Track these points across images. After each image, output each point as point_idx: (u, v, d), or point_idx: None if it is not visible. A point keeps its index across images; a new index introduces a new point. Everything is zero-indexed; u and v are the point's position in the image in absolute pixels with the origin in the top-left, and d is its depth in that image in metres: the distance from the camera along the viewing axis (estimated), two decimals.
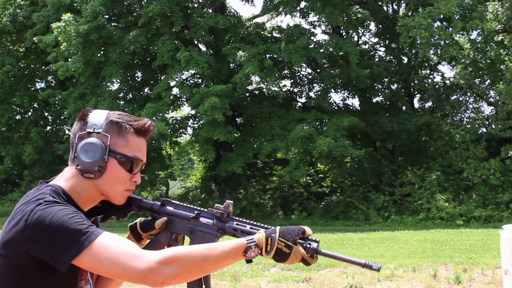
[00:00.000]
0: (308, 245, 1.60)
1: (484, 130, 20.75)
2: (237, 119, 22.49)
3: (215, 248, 1.53)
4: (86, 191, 1.65)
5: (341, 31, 22.75)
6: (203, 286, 1.78)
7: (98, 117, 1.69)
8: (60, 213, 1.49)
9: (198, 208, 1.81)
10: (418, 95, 23.66)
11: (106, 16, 20.14)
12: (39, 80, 25.16)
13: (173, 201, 1.83)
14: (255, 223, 1.74)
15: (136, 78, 22.68)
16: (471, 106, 22.07)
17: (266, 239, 1.57)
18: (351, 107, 22.54)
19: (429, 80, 23.39)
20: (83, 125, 1.69)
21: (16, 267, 1.53)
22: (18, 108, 24.57)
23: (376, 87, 21.95)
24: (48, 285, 1.56)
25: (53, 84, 24.02)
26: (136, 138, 1.68)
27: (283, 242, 1.57)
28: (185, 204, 1.82)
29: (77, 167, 1.64)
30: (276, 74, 19.21)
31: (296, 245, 1.58)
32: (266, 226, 1.70)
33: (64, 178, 1.66)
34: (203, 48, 21.55)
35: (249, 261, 1.58)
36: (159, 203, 1.82)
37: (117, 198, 1.69)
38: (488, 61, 18.61)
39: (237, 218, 1.75)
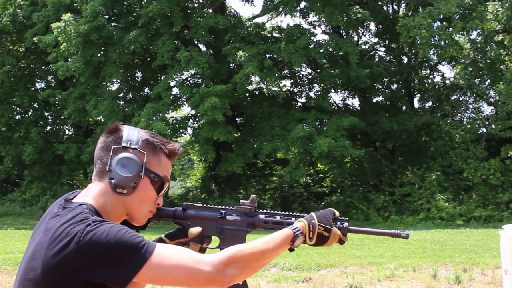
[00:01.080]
0: (341, 225, 1.73)
1: (484, 130, 20.75)
2: (237, 119, 22.49)
3: (269, 241, 1.58)
4: (114, 209, 1.62)
5: (341, 31, 22.75)
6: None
7: (132, 133, 1.66)
8: (113, 229, 1.45)
9: (223, 207, 1.84)
10: (418, 95, 23.67)
11: (106, 16, 20.13)
12: (39, 80, 25.16)
13: (195, 204, 1.84)
14: (283, 212, 1.81)
15: (136, 78, 22.68)
16: (471, 106, 22.09)
17: (308, 226, 1.66)
18: (351, 107, 22.54)
19: (429, 80, 23.41)
20: (117, 138, 1.64)
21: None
22: (18, 108, 24.57)
23: (376, 87, 21.96)
24: None
25: (53, 84, 24.02)
26: (166, 160, 1.69)
27: (322, 226, 1.66)
28: (208, 205, 1.85)
29: (111, 180, 1.59)
30: (276, 74, 19.20)
31: (333, 227, 1.69)
32: (295, 214, 1.79)
33: (92, 196, 1.61)
34: (203, 48, 21.55)
35: (292, 249, 1.67)
36: (181, 208, 1.82)
37: (141, 219, 1.68)
38: (488, 61, 18.61)
39: (264, 211, 1.81)
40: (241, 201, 1.83)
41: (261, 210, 1.80)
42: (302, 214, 1.77)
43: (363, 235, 13.14)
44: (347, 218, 1.76)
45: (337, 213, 1.73)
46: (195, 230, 1.77)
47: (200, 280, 1.45)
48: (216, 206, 1.84)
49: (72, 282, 1.45)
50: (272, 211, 1.80)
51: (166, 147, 1.69)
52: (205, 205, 1.84)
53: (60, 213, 1.54)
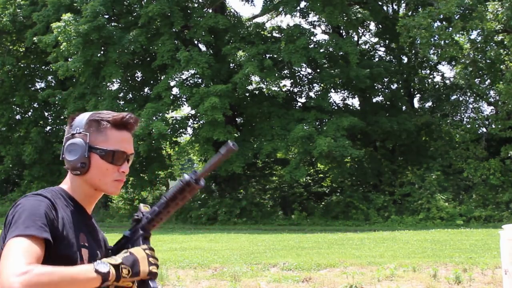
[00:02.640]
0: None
1: (484, 130, 20.75)
2: (237, 119, 22.49)
3: (69, 271, 1.52)
4: (81, 188, 1.76)
5: (341, 31, 22.75)
6: None
7: (81, 118, 1.79)
8: (30, 203, 1.60)
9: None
10: (418, 95, 23.67)
11: (106, 16, 20.14)
12: (39, 80, 25.18)
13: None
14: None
15: (136, 78, 22.69)
16: (471, 106, 22.09)
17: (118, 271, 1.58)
18: (351, 107, 22.54)
19: (429, 80, 23.41)
20: (69, 128, 1.80)
21: None
22: (18, 108, 24.59)
23: (376, 87, 21.96)
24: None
25: (53, 84, 24.03)
26: (116, 132, 1.77)
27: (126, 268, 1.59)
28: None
29: (64, 166, 1.76)
30: (276, 74, 19.21)
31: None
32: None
33: (65, 181, 1.80)
34: (203, 48, 21.56)
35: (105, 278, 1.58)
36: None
37: (109, 189, 1.77)
38: (488, 61, 18.62)
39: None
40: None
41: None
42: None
43: (363, 234, 13.12)
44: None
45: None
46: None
47: (4, 285, 1.48)
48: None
49: None
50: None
51: (110, 120, 1.76)
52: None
53: None
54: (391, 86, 22.66)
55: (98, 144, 1.74)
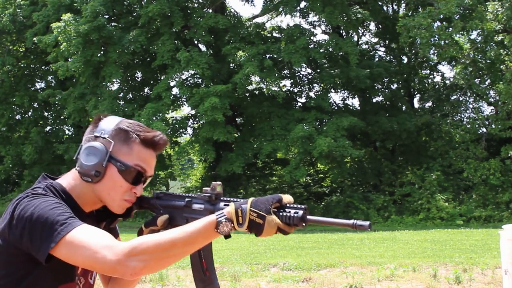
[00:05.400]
0: (283, 214, 1.50)
1: (484, 130, 20.74)
2: (237, 119, 22.49)
3: (184, 230, 1.46)
4: (85, 194, 1.64)
5: (341, 31, 22.75)
6: (204, 266, 1.77)
7: (109, 122, 1.66)
8: (43, 204, 1.49)
9: (189, 195, 1.76)
10: (418, 95, 23.66)
11: (106, 16, 20.14)
12: (39, 80, 25.17)
13: (168, 192, 1.80)
14: (243, 200, 1.63)
15: (136, 78, 22.68)
16: (471, 106, 22.08)
17: (236, 211, 1.49)
18: (351, 107, 22.53)
19: (429, 80, 23.40)
20: (93, 128, 1.67)
21: (6, 258, 1.53)
22: (18, 108, 24.57)
23: (376, 87, 21.95)
24: (39, 277, 1.55)
25: (53, 84, 24.02)
26: (142, 149, 1.65)
27: (255, 212, 1.47)
28: (179, 193, 1.78)
29: (77, 168, 1.63)
30: (276, 74, 19.20)
31: (270, 214, 1.46)
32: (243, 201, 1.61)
33: (67, 178, 1.67)
34: (203, 48, 21.56)
35: (227, 236, 1.50)
36: (155, 196, 1.79)
37: (114, 207, 1.66)
38: (488, 61, 18.61)
39: (226, 199, 1.67)
40: (204, 188, 1.74)
41: (224, 198, 1.68)
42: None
43: (363, 235, 13.12)
44: (303, 206, 1.53)
45: (286, 199, 1.52)
46: (162, 218, 1.74)
47: (103, 266, 1.41)
48: (184, 194, 1.76)
49: (11, 251, 1.52)
50: (234, 199, 1.64)
51: (140, 135, 1.64)
52: (175, 193, 1.78)
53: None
54: (391, 86, 22.66)
55: (120, 156, 1.62)
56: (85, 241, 1.43)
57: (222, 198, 1.69)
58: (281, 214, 1.50)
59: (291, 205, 1.54)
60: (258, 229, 1.47)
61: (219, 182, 1.72)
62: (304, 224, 1.51)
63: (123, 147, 1.63)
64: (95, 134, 1.64)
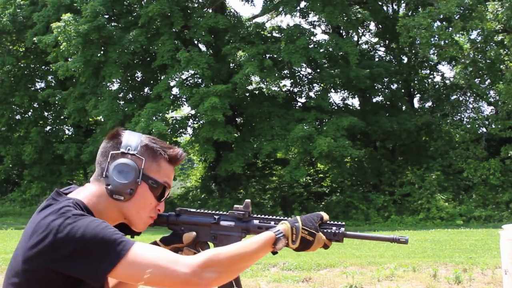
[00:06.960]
0: (337, 231, 1.70)
1: (484, 130, 20.74)
2: (237, 119, 22.49)
3: (249, 245, 1.54)
4: (108, 212, 1.60)
5: (341, 31, 22.75)
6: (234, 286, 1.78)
7: (133, 138, 1.65)
8: (92, 224, 1.44)
9: (217, 212, 1.80)
10: (418, 95, 23.67)
11: (106, 16, 20.14)
12: (39, 80, 25.17)
13: (189, 209, 1.82)
14: (276, 217, 1.77)
15: (136, 78, 22.68)
16: (471, 106, 22.09)
17: (291, 229, 1.61)
18: (351, 107, 22.53)
19: (429, 80, 23.42)
20: (116, 144, 1.63)
21: (40, 283, 1.47)
22: (18, 108, 24.57)
23: (376, 87, 21.95)
24: None
25: (53, 84, 24.02)
26: (167, 166, 1.66)
27: (307, 230, 1.62)
28: (201, 211, 1.81)
29: (108, 186, 1.58)
30: (276, 74, 19.20)
31: (318, 232, 1.64)
32: (287, 218, 1.73)
33: (86, 194, 1.60)
34: (203, 48, 21.55)
35: (275, 252, 1.62)
36: (174, 213, 1.80)
37: (140, 225, 1.66)
38: (488, 61, 18.62)
39: (258, 216, 1.78)
40: (235, 206, 1.79)
41: (255, 215, 1.77)
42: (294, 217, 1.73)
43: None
44: (343, 223, 1.72)
45: (325, 217, 1.69)
46: (189, 235, 1.75)
47: (175, 281, 1.42)
48: (209, 211, 1.80)
49: (49, 274, 1.45)
50: (266, 216, 1.77)
51: (167, 152, 1.65)
52: (198, 210, 1.81)
53: (49, 206, 1.53)
54: (391, 86, 22.66)
55: (151, 173, 1.61)
56: (149, 258, 1.42)
57: (253, 216, 1.79)
58: (325, 230, 1.68)
59: (330, 222, 1.72)
60: (307, 246, 1.64)
61: (249, 200, 1.82)
62: (343, 239, 1.71)
63: (153, 164, 1.63)
64: (122, 151, 1.61)
